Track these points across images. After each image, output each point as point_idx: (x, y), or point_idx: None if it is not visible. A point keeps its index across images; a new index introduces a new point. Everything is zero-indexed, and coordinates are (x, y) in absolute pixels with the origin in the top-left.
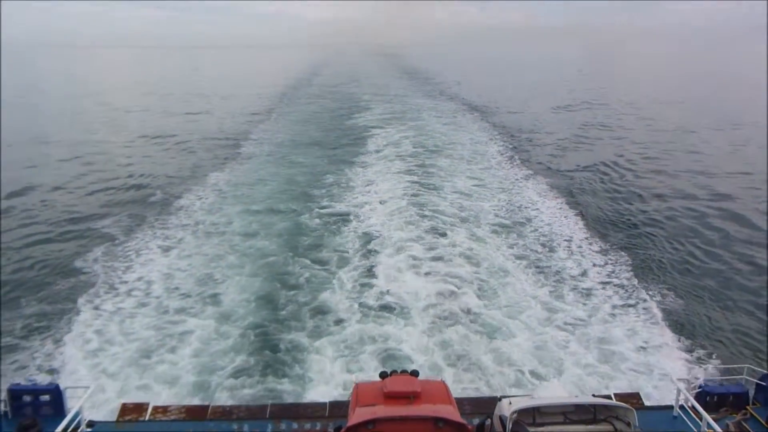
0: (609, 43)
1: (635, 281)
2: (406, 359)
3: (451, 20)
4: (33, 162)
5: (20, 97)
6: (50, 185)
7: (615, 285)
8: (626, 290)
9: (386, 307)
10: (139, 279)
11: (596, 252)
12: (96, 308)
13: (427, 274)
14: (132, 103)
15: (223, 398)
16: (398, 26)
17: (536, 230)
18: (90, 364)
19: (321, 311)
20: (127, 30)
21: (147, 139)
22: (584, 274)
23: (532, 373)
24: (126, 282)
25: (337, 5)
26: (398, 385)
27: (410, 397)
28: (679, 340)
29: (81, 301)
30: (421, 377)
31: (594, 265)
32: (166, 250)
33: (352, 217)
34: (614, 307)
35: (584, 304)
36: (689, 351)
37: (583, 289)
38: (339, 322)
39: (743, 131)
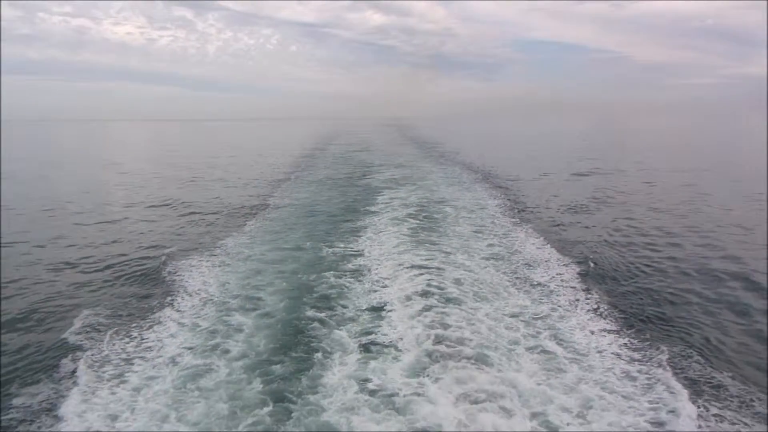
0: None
1: (647, 335)
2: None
3: (456, 94)
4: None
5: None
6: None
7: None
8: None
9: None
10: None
11: (601, 304)
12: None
13: (422, 313)
14: (165, 173)
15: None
16: (403, 100)
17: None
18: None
19: (339, 320)
20: (146, 105)
21: (184, 204)
22: (589, 317)
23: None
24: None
25: (341, 80)
26: None
27: None
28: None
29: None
30: None
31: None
32: (214, 266)
33: (363, 252)
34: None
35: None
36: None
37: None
38: (347, 349)
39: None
